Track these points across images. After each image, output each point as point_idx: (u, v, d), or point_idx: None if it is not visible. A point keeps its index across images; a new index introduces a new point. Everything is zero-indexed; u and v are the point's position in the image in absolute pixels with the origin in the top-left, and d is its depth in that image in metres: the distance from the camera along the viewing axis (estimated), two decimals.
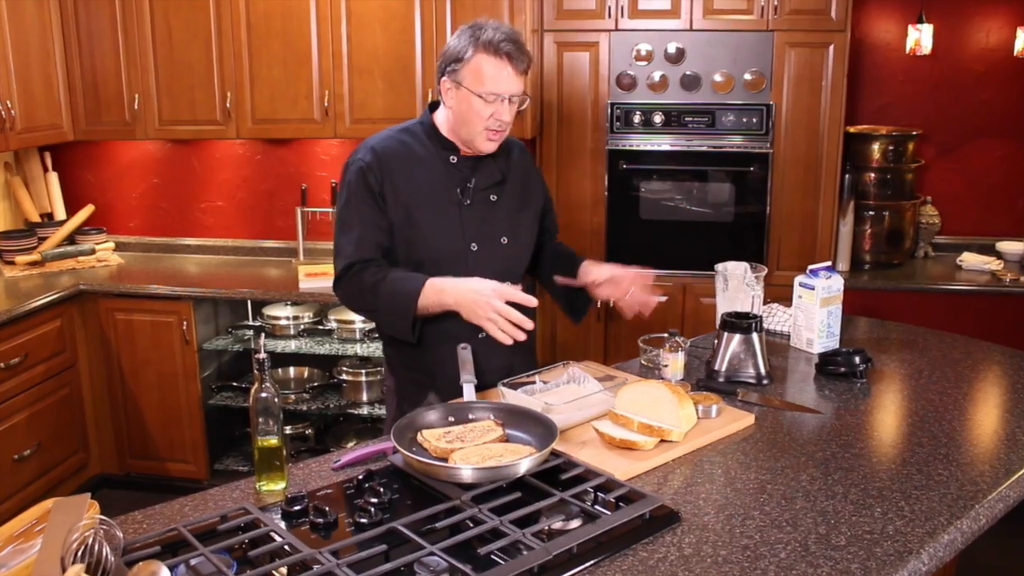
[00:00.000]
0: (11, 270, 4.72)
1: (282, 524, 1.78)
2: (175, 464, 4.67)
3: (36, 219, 5.07)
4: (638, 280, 2.55)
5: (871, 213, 4.68)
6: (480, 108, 2.42)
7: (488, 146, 2.50)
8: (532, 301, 2.36)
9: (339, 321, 4.54)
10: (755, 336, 2.62)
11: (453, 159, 2.55)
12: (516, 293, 2.33)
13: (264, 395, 1.94)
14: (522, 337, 2.30)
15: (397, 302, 2.41)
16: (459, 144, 2.54)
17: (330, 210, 4.92)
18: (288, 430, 4.74)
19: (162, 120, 4.76)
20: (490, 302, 2.30)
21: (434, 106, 2.61)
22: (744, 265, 2.94)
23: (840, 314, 2.91)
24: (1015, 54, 4.64)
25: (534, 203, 2.72)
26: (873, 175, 4.69)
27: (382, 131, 2.61)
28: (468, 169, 2.55)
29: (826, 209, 4.46)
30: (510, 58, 2.41)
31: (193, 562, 1.62)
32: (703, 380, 2.62)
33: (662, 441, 2.14)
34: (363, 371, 4.60)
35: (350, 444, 4.61)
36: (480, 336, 2.43)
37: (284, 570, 1.61)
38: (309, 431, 4.85)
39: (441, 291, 2.37)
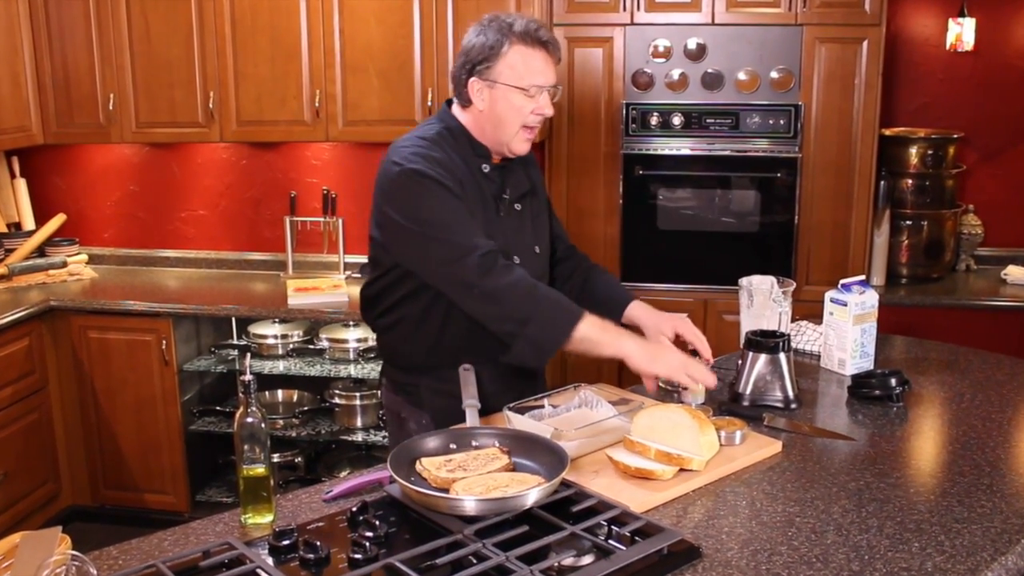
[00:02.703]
0: None
1: (269, 560, 1.78)
2: (153, 495, 4.68)
3: (3, 229, 5.09)
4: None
5: (908, 223, 4.69)
6: (521, 103, 2.44)
7: (524, 147, 2.52)
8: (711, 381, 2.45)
9: (331, 340, 4.55)
10: (782, 356, 2.63)
11: (485, 168, 2.55)
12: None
13: (250, 420, 1.95)
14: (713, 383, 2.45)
15: (563, 308, 2.39)
16: (491, 149, 2.55)
17: (321, 219, 4.94)
18: (276, 458, 4.75)
19: (139, 122, 4.79)
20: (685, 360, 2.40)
21: (448, 105, 2.60)
22: (771, 279, 2.94)
23: (875, 332, 2.92)
24: None
25: (542, 208, 2.77)
26: (910, 182, 4.69)
27: (405, 141, 2.52)
28: (499, 178, 2.57)
29: (859, 218, 4.47)
30: (546, 47, 2.45)
31: None
32: (726, 404, 2.63)
33: (682, 470, 2.14)
34: (357, 394, 4.60)
35: (343, 473, 4.63)
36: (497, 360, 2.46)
37: None
38: (299, 459, 4.85)
39: (620, 334, 2.42)
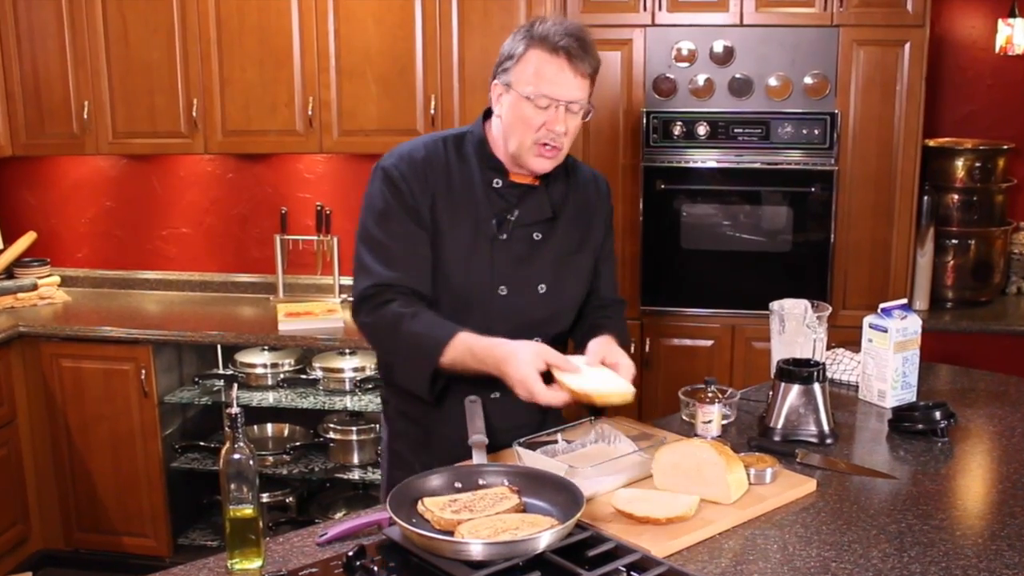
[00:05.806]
0: None
1: None
2: (132, 538, 4.69)
3: None
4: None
5: (954, 242, 4.69)
6: (530, 115, 2.43)
7: (539, 163, 2.49)
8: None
9: (325, 370, 4.57)
10: (817, 387, 2.64)
11: (497, 183, 2.55)
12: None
13: (237, 457, 1.96)
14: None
15: (421, 345, 2.40)
16: (508, 164, 2.54)
17: (314, 238, 4.97)
18: (265, 498, 4.75)
19: (116, 132, 4.81)
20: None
21: (489, 114, 2.62)
22: (804, 303, 2.95)
23: (917, 361, 2.93)
24: None
25: (591, 248, 2.71)
26: (956, 197, 4.70)
27: (421, 136, 2.64)
28: (513, 198, 2.55)
29: (901, 237, 4.47)
30: (568, 56, 2.41)
31: None
32: (756, 439, 2.63)
33: (709, 504, 2.15)
34: (353, 428, 4.61)
35: (338, 514, 4.64)
36: (496, 395, 2.48)
37: None
38: (290, 499, 4.86)
39: (491, 346, 2.35)
